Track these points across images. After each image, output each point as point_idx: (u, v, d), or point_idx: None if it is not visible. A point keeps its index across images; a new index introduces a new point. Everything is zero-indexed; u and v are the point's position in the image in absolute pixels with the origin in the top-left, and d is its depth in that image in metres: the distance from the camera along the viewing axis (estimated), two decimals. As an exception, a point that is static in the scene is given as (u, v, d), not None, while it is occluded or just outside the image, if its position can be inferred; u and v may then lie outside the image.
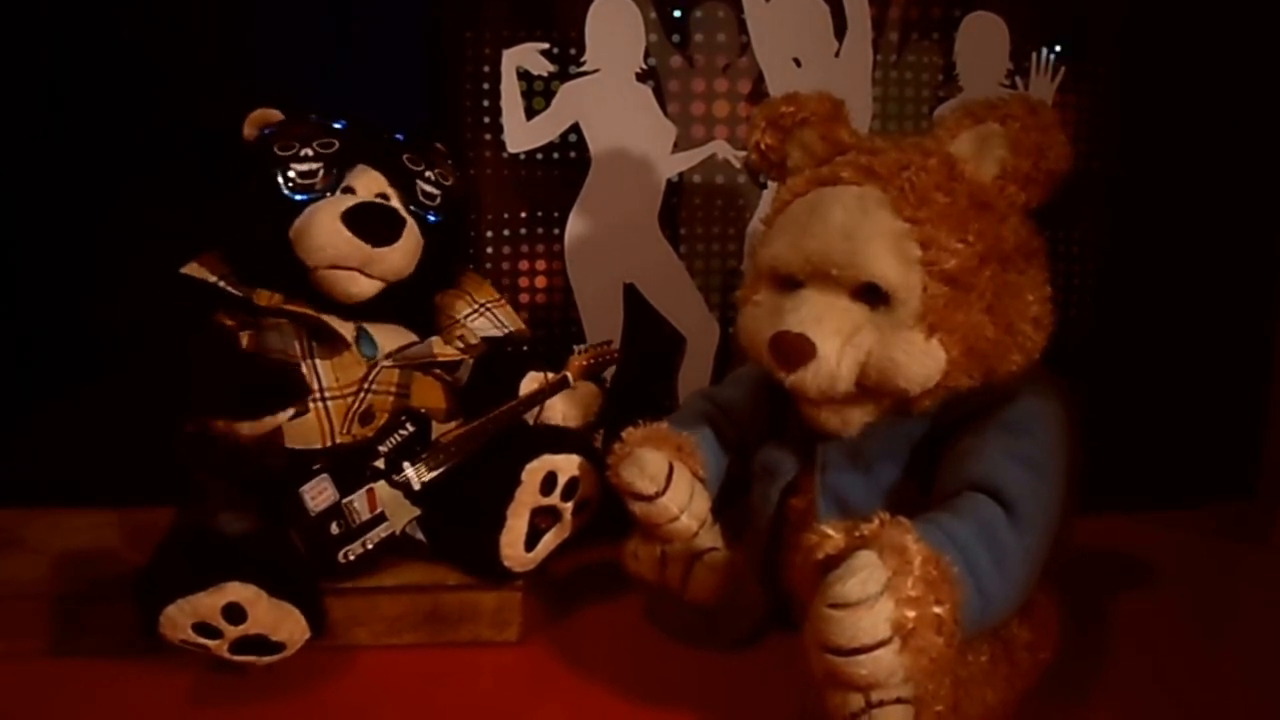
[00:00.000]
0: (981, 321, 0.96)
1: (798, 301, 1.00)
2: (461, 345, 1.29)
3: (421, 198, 1.24)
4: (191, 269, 1.21)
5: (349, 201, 1.18)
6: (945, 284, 0.95)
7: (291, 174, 1.18)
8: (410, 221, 1.21)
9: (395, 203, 1.22)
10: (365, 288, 1.20)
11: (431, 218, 1.25)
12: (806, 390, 0.98)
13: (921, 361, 0.95)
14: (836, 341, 0.96)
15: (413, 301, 1.28)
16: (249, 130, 1.24)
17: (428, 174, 1.26)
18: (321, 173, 1.19)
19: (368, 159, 1.23)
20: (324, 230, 1.15)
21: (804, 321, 0.97)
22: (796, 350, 0.97)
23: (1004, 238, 0.97)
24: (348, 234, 1.15)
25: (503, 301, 1.35)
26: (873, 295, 0.97)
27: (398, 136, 1.28)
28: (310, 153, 1.19)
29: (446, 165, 1.30)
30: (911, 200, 0.96)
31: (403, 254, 1.20)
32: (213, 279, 1.20)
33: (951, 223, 0.96)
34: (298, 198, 1.17)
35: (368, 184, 1.22)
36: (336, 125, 1.24)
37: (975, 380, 0.98)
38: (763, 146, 1.12)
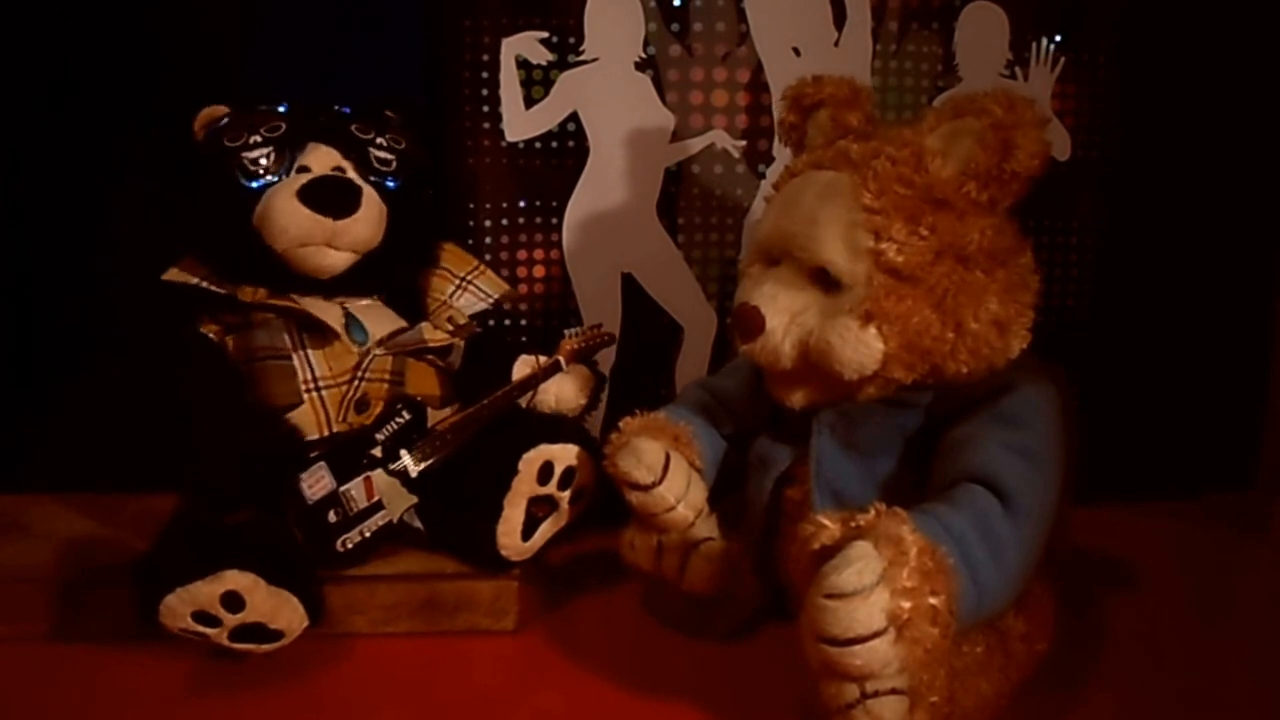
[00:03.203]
0: (928, 318, 0.96)
1: (764, 277, 1.04)
2: (451, 328, 1.29)
3: (376, 164, 1.24)
4: (172, 274, 1.22)
5: (304, 179, 1.18)
6: (890, 275, 0.96)
7: (244, 162, 1.18)
8: (368, 190, 1.21)
9: (351, 174, 1.22)
10: (336, 260, 1.20)
11: (390, 183, 1.24)
12: (756, 360, 1.04)
13: (855, 348, 0.96)
14: (784, 318, 1.01)
15: (390, 273, 1.29)
16: (198, 130, 1.24)
17: (379, 140, 1.26)
18: (273, 155, 1.19)
19: (317, 135, 1.23)
20: (283, 212, 1.16)
21: (761, 296, 1.02)
22: (748, 322, 1.02)
23: (965, 236, 0.97)
24: (306, 211, 1.16)
25: (483, 269, 1.36)
26: (826, 279, 1.00)
27: (344, 109, 1.28)
28: (259, 139, 1.19)
29: (399, 130, 1.29)
30: (872, 189, 0.98)
31: (366, 223, 1.20)
32: (194, 281, 1.21)
33: (906, 215, 0.96)
34: (254, 185, 1.18)
35: (321, 160, 1.22)
36: (280, 109, 1.24)
37: (917, 375, 0.99)
38: (786, 124, 1.16)
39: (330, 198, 1.18)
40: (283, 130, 1.21)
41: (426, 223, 1.34)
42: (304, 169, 1.20)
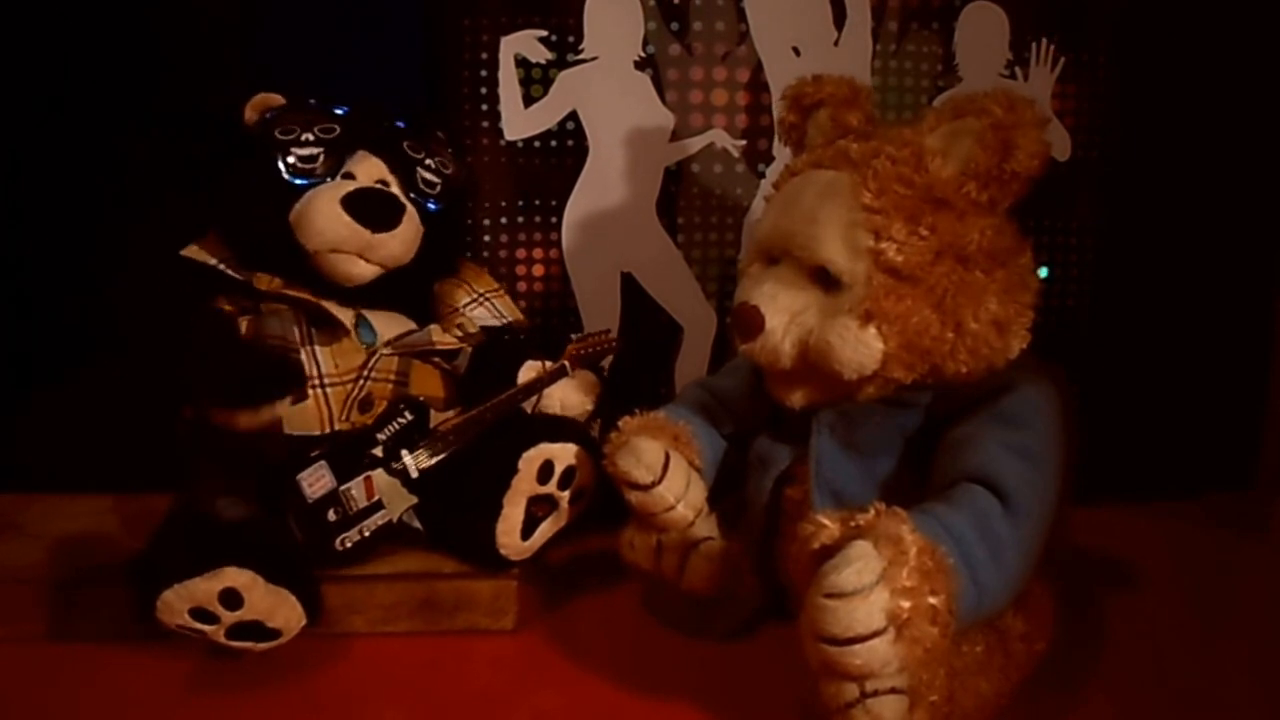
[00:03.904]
0: (928, 317, 0.96)
1: (764, 277, 1.04)
2: (460, 334, 1.29)
3: (422, 185, 1.25)
4: (191, 251, 1.22)
5: (349, 187, 1.18)
6: (890, 275, 0.96)
7: (292, 158, 1.18)
8: (410, 209, 1.21)
9: (395, 189, 1.23)
10: (365, 270, 1.20)
11: (431, 206, 1.25)
12: (756, 360, 1.04)
13: (855, 348, 0.96)
14: (784, 318, 1.00)
15: (411, 289, 1.29)
16: (250, 114, 1.24)
17: (428, 161, 1.26)
18: (322, 157, 1.19)
19: (368, 145, 1.23)
20: (324, 215, 1.16)
21: (761, 296, 1.02)
22: (748, 321, 1.02)
23: (965, 236, 0.97)
24: (347, 219, 1.16)
25: (501, 291, 1.36)
26: (826, 279, 0.99)
27: (399, 124, 1.28)
28: (311, 137, 1.19)
29: (446, 153, 1.30)
30: (872, 189, 0.98)
31: (402, 241, 1.20)
32: (212, 261, 1.21)
33: (906, 215, 0.96)
34: (298, 182, 1.18)
35: (368, 170, 1.22)
36: (338, 111, 1.24)
37: (917, 375, 0.99)
38: (786, 123, 1.16)
39: (373, 210, 1.18)
40: (336, 134, 1.21)
41: (457, 247, 1.36)
42: (349, 175, 1.21)
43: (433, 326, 1.29)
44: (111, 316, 1.43)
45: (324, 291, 1.21)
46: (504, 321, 1.35)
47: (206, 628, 0.98)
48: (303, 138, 1.19)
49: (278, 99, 1.25)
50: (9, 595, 1.13)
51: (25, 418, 1.45)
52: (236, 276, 1.20)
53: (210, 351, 1.14)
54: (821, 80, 1.13)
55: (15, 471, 1.43)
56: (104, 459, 1.36)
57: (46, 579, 1.14)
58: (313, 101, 1.25)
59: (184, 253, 1.21)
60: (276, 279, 1.20)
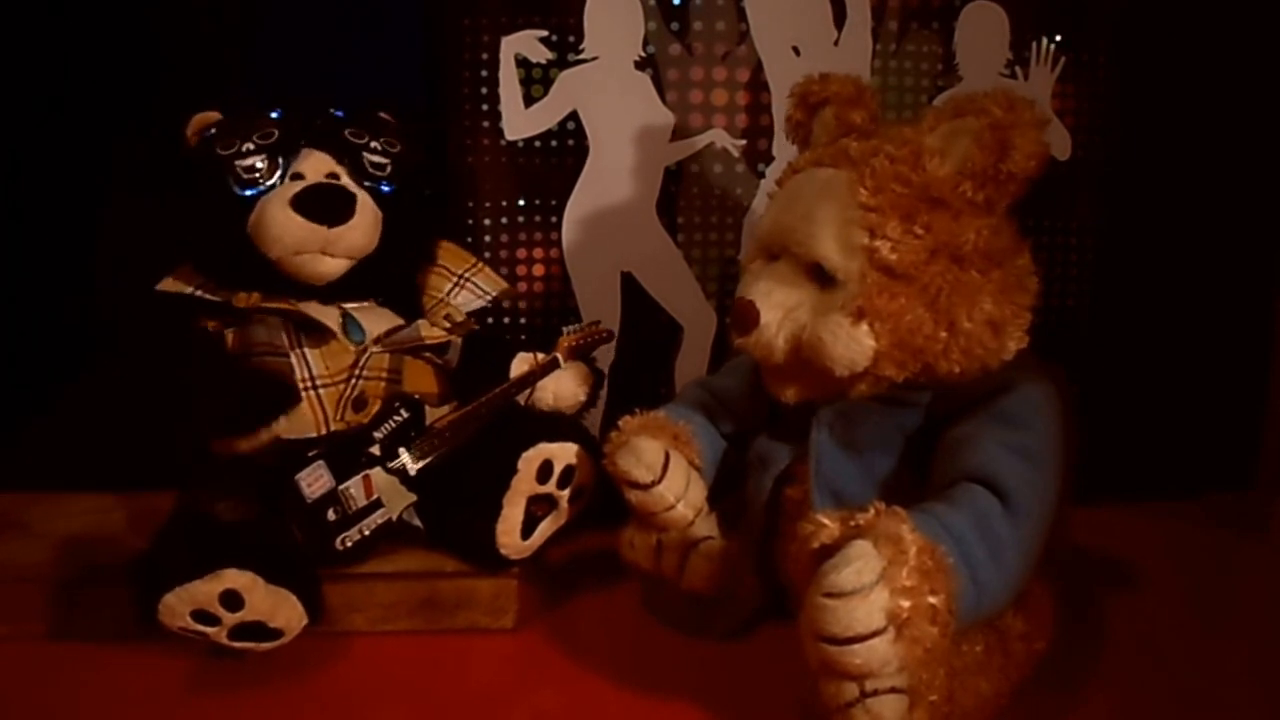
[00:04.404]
0: (921, 316, 0.96)
1: (763, 273, 1.05)
2: (448, 325, 1.29)
3: (370, 169, 1.23)
4: (167, 285, 1.22)
5: (297, 187, 1.18)
6: (884, 273, 0.96)
7: (237, 171, 1.18)
8: (362, 196, 1.20)
9: (346, 180, 1.22)
10: (332, 266, 1.20)
11: (385, 188, 1.24)
12: (750, 354, 1.05)
13: (846, 344, 0.96)
14: (778, 313, 1.01)
15: (388, 276, 1.28)
16: (191, 135, 1.24)
17: (373, 144, 1.25)
18: (266, 164, 1.19)
19: (310, 141, 1.22)
20: (277, 221, 1.16)
21: (757, 291, 1.03)
22: (743, 316, 1.03)
23: (960, 235, 0.96)
24: (300, 219, 1.16)
25: (480, 266, 1.36)
26: (821, 275, 1.00)
27: (337, 113, 1.28)
28: (251, 146, 1.19)
29: (392, 133, 1.28)
30: (869, 187, 0.98)
31: (361, 231, 1.20)
32: (189, 290, 1.21)
33: (901, 213, 0.96)
34: (247, 193, 1.18)
35: (315, 166, 1.21)
36: (273, 114, 1.24)
37: (909, 374, 0.99)
38: (792, 121, 1.17)
39: (324, 206, 1.17)
40: (276, 137, 1.20)
41: (423, 226, 1.34)
42: (298, 175, 1.20)
43: (420, 321, 1.28)
44: (111, 316, 1.43)
45: (304, 293, 1.21)
46: (489, 299, 1.35)
47: (208, 629, 0.98)
48: (243, 149, 1.19)
49: (214, 116, 1.24)
50: (11, 594, 1.13)
51: (27, 417, 1.45)
52: (215, 299, 1.20)
53: (203, 386, 1.15)
54: (828, 78, 1.13)
55: (18, 470, 1.43)
56: (106, 458, 1.36)
57: (49, 578, 1.14)
58: (255, 110, 1.24)
59: (160, 288, 1.22)
60: (254, 294, 1.20)
